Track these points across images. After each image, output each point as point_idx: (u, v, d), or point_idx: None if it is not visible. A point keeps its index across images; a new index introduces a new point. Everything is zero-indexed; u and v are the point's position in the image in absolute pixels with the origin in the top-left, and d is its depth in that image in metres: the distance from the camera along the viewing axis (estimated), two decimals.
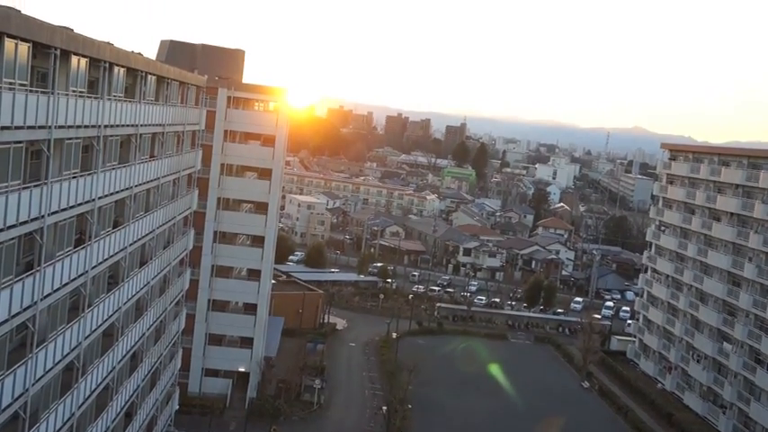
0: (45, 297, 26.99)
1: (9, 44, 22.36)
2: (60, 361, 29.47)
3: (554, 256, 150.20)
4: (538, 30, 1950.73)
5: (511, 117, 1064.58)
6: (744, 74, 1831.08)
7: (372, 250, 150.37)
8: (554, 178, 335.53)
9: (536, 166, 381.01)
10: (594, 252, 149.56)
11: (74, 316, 31.12)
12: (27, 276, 25.45)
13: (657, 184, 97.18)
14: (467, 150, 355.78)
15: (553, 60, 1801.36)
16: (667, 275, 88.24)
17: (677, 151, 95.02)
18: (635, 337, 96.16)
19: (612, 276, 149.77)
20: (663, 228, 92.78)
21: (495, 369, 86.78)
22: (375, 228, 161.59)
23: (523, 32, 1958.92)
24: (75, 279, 30.14)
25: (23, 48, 23.36)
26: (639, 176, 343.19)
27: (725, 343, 74.18)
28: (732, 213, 75.69)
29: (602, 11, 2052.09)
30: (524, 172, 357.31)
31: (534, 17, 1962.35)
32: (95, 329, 33.55)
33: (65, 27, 27.80)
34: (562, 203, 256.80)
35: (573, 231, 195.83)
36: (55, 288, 28.00)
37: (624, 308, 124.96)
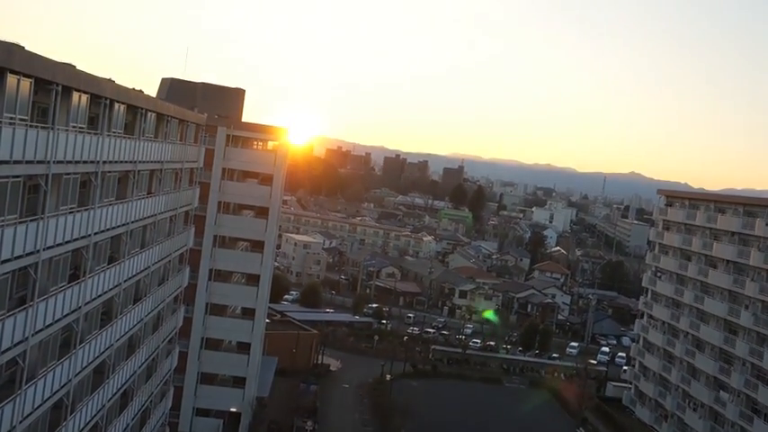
0: (37, 332, 26.71)
1: (11, 79, 22.52)
2: (49, 398, 29.05)
3: (550, 300, 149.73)
4: (535, 75, 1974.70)
5: (508, 160, 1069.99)
6: (739, 123, 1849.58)
7: (368, 291, 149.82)
8: (551, 222, 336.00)
9: (533, 209, 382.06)
10: (591, 297, 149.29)
11: (65, 352, 30.77)
12: (19, 311, 25.23)
13: (654, 229, 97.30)
14: (464, 192, 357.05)
15: (550, 105, 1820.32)
16: (664, 322, 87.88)
17: (673, 197, 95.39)
18: (631, 383, 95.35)
19: (608, 321, 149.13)
20: (659, 274, 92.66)
21: (489, 414, 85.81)
22: (371, 268, 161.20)
23: (521, 77, 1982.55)
24: (68, 315, 29.90)
25: (25, 83, 23.52)
26: (636, 222, 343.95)
27: (722, 391, 73.57)
28: (728, 261, 75.68)
29: (601, 58, 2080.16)
30: (521, 215, 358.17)
31: (533, 63, 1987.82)
32: (86, 366, 33.18)
33: (67, 63, 28.03)
34: (559, 247, 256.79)
35: (569, 275, 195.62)
36: (47, 324, 27.76)
37: (620, 354, 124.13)
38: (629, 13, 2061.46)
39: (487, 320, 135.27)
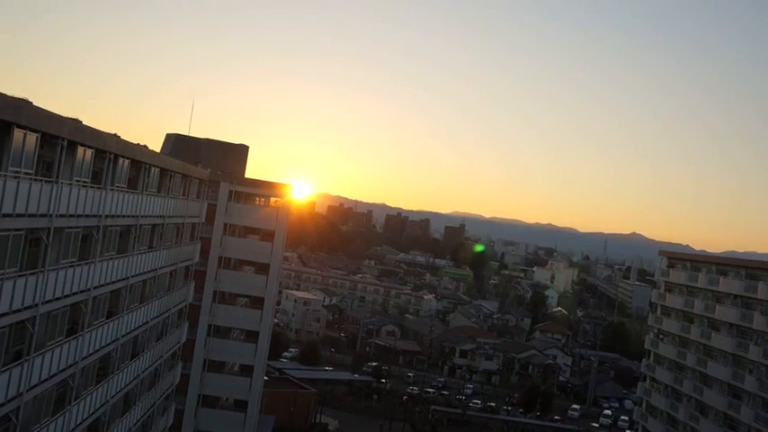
0: (31, 388, 26.40)
1: (18, 134, 22.76)
2: None
3: (551, 361, 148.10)
4: (536, 134, 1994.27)
5: (510, 219, 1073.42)
6: (741, 186, 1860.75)
7: (368, 349, 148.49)
8: (552, 282, 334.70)
9: (534, 269, 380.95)
10: (592, 358, 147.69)
11: (59, 408, 30.35)
12: (14, 366, 24.97)
13: (655, 291, 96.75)
14: (465, 251, 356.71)
15: (551, 164, 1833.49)
16: (666, 385, 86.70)
17: (675, 259, 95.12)
18: None
19: (610, 384, 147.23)
20: (661, 336, 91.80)
21: None
22: (371, 326, 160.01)
23: (522, 136, 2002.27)
24: (63, 370, 29.58)
25: (32, 137, 23.75)
26: (638, 283, 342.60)
27: None
28: (731, 324, 75.10)
29: (601, 119, 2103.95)
30: (522, 275, 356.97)
31: (534, 123, 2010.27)
32: (80, 423, 32.66)
33: (73, 119, 28.34)
34: (560, 308, 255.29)
35: (571, 336, 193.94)
36: (42, 379, 27.44)
37: (623, 417, 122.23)
38: (627, 73, 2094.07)
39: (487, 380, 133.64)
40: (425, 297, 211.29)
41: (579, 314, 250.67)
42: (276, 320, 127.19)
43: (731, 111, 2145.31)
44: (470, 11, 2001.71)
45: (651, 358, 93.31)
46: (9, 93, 22.99)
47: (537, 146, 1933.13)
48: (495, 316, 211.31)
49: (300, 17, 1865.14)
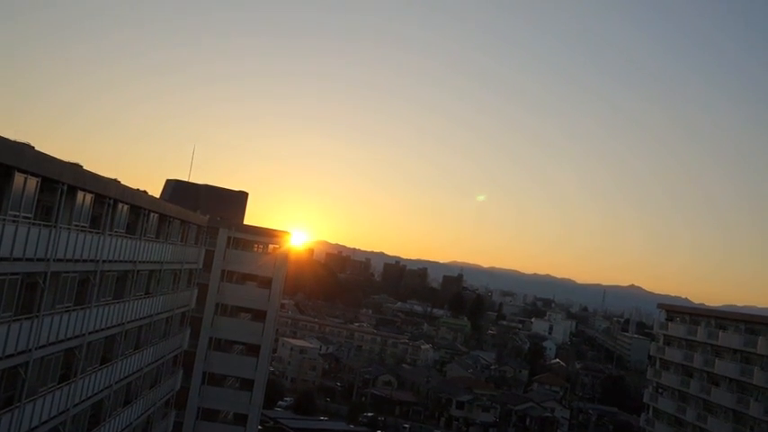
0: None
1: (19, 178, 22.83)
2: None
3: (549, 414, 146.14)
4: (534, 185, 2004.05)
5: (508, 269, 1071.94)
6: (740, 239, 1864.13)
7: (364, 399, 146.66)
8: (550, 333, 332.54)
9: (532, 319, 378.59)
10: (591, 411, 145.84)
11: None
12: (5, 412, 24.61)
13: (654, 344, 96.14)
14: (463, 301, 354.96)
15: (549, 215, 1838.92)
16: None
17: (674, 312, 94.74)
18: None
19: None
20: (660, 390, 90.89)
21: None
22: (367, 376, 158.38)
23: (520, 187, 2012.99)
24: (55, 417, 29.17)
25: (32, 182, 23.82)
26: (636, 336, 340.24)
27: None
28: (731, 379, 74.42)
29: (599, 171, 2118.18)
30: (520, 325, 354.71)
31: (533, 174, 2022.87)
32: None
33: (74, 163, 28.48)
34: (558, 359, 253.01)
35: (569, 389, 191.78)
36: (33, 426, 27.04)
37: None
38: (628, 126, 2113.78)
39: None
40: (423, 347, 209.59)
41: (577, 366, 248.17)
42: (272, 368, 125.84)
43: (730, 166, 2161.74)
44: (473, 60, 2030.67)
45: (650, 413, 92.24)
46: (11, 137, 23.16)
47: (536, 197, 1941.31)
48: (492, 367, 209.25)
49: (300, 66, 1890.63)
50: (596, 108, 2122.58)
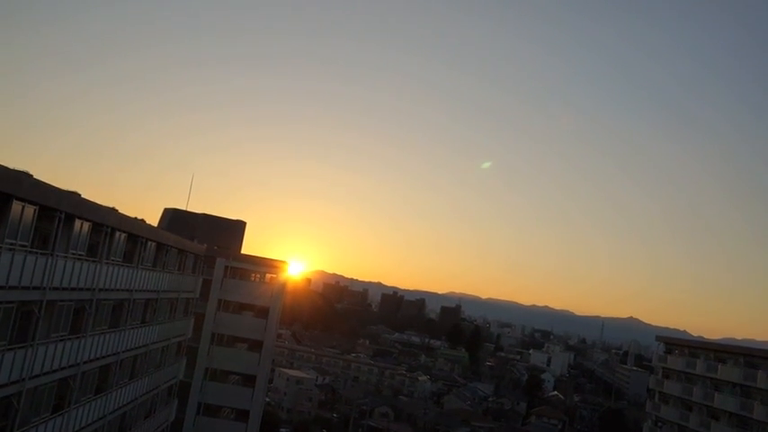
0: None
1: (16, 206, 22.77)
2: None
3: None
4: (534, 217, 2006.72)
5: (506, 300, 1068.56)
6: (739, 272, 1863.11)
7: (360, 430, 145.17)
8: (548, 365, 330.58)
9: (530, 351, 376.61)
10: None
11: None
12: None
13: (653, 377, 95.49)
14: (461, 332, 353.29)
15: (547, 246, 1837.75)
16: None
17: (673, 345, 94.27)
18: None
19: None
20: (660, 424, 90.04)
21: None
22: (364, 407, 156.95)
23: (519, 219, 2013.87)
24: None
25: (30, 210, 23.76)
26: (635, 368, 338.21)
27: None
28: (731, 413, 73.79)
29: (597, 204, 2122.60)
30: (518, 357, 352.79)
31: (531, 206, 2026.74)
32: None
33: (72, 192, 28.45)
34: (556, 392, 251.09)
35: (567, 422, 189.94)
36: None
37: None
38: (628, 160, 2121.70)
39: None
40: (420, 378, 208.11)
41: (576, 399, 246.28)
42: (268, 399, 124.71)
43: (730, 199, 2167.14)
44: (475, 90, 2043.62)
45: None
46: (9, 165, 23.14)
47: (534, 228, 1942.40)
48: (490, 399, 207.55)
49: (298, 94, 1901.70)
50: (595, 138, 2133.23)
